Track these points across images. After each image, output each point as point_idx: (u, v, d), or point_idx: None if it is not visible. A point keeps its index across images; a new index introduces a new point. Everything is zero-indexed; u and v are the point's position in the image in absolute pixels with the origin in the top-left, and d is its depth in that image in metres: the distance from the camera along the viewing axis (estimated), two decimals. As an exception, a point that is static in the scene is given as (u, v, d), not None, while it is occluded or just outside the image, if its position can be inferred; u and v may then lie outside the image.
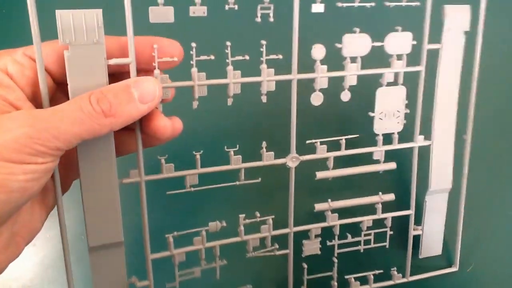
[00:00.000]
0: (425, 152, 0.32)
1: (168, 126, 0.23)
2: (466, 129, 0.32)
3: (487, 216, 0.36)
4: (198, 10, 0.24)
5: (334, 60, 0.28)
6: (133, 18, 0.22)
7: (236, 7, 0.24)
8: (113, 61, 0.23)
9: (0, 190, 0.19)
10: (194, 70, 0.25)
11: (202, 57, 0.25)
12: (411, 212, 0.33)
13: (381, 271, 0.33)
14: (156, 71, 0.24)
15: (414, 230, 0.33)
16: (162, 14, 0.23)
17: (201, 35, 0.25)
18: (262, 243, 0.30)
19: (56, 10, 0.21)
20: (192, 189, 0.27)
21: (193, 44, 0.24)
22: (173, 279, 0.28)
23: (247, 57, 0.25)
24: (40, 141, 0.19)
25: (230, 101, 0.26)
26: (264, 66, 0.26)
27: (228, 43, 0.25)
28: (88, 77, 0.22)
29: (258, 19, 0.25)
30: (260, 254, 0.30)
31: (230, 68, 0.25)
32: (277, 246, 0.30)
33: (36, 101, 0.22)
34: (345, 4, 0.27)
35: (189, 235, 0.28)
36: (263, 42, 0.26)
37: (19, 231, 0.22)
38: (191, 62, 0.24)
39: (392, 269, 0.33)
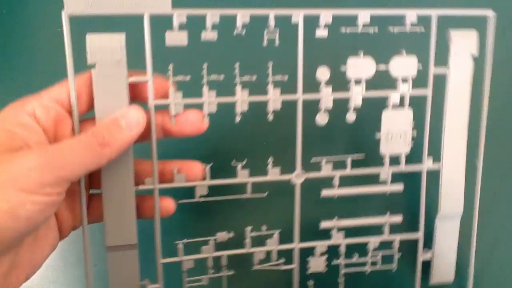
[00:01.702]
0: (436, 174, 0.32)
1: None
2: (478, 153, 0.32)
3: (499, 241, 0.36)
4: (209, 35, 0.26)
5: (340, 81, 0.29)
6: (151, 40, 0.25)
7: (243, 32, 0.27)
8: (132, 79, 0.26)
9: (8, 217, 0.21)
10: (205, 88, 0.27)
11: (213, 76, 0.27)
12: (419, 235, 0.33)
13: (390, 293, 0.33)
14: (171, 88, 0.27)
15: (424, 253, 0.33)
16: (177, 38, 0.26)
17: (212, 56, 0.27)
18: (268, 256, 0.31)
19: (87, 34, 0.25)
20: (201, 199, 0.29)
21: (205, 65, 0.27)
22: (182, 285, 0.29)
23: (254, 78, 0.28)
24: (50, 170, 0.22)
25: (238, 118, 0.28)
26: (270, 86, 0.28)
27: (237, 64, 0.27)
28: (111, 93, 0.25)
29: (265, 43, 0.27)
30: (265, 267, 0.31)
31: (238, 87, 0.28)
32: (283, 260, 0.31)
33: (56, 141, 0.25)
34: (348, 30, 0.29)
35: (198, 243, 0.29)
36: (270, 64, 0.28)
37: (20, 264, 0.24)
38: (202, 82, 0.27)
39: (401, 292, 0.33)
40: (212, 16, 0.26)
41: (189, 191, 0.28)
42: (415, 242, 0.33)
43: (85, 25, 0.25)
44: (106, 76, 0.25)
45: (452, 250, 0.34)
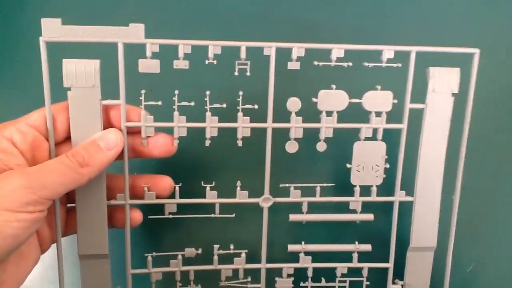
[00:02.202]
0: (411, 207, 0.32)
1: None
2: (455, 190, 0.32)
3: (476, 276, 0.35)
4: (180, 64, 0.28)
5: (312, 112, 0.30)
6: (124, 67, 0.27)
7: (215, 62, 0.28)
8: (105, 102, 0.28)
9: None
10: (176, 113, 0.29)
11: (184, 103, 0.28)
12: (389, 265, 0.33)
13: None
14: (143, 112, 0.28)
15: (394, 284, 0.33)
16: (150, 65, 0.28)
17: (184, 84, 0.29)
18: (235, 274, 0.32)
19: (63, 60, 0.27)
20: (171, 216, 0.30)
21: (176, 92, 0.28)
22: (150, 296, 0.31)
23: (224, 105, 0.29)
24: (32, 190, 0.23)
25: (208, 143, 0.29)
26: (240, 114, 0.29)
27: (208, 92, 0.28)
28: (86, 115, 0.27)
29: (236, 73, 0.28)
30: (232, 284, 0.32)
31: (208, 113, 0.29)
32: (249, 279, 0.32)
33: (35, 164, 0.26)
34: (321, 63, 0.29)
35: (167, 257, 0.31)
36: (240, 92, 0.29)
37: (6, 280, 0.25)
38: (174, 106, 0.28)
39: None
40: (183, 46, 0.27)
41: (160, 205, 0.30)
42: (385, 272, 0.33)
43: (64, 49, 0.27)
44: (81, 99, 0.27)
45: (424, 283, 0.33)
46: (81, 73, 0.27)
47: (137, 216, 0.30)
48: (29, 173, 0.24)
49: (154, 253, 0.31)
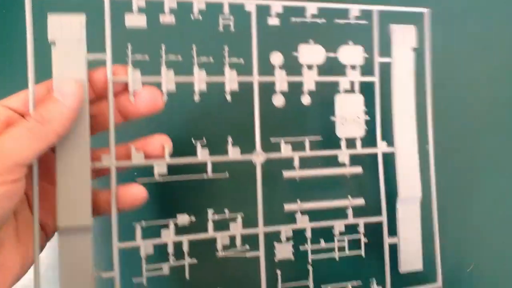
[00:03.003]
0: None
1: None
2: (428, 139, 0.34)
3: (465, 224, 0.36)
4: (166, 19, 0.28)
5: (293, 67, 0.31)
6: (111, 23, 0.27)
7: (200, 17, 0.29)
8: (91, 56, 0.27)
9: None
10: (163, 67, 0.28)
11: (171, 57, 0.28)
12: (382, 218, 0.33)
13: (359, 282, 0.32)
14: (130, 67, 0.28)
15: (390, 238, 0.33)
16: (136, 20, 0.28)
17: (170, 39, 0.29)
18: (232, 243, 0.30)
19: (48, 14, 0.26)
20: (161, 178, 0.28)
21: (163, 46, 0.28)
22: (140, 274, 0.28)
23: (211, 59, 0.29)
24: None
25: (197, 98, 0.29)
26: (227, 67, 0.30)
27: (194, 46, 0.29)
28: (70, 71, 0.26)
29: (221, 28, 0.29)
30: (230, 254, 0.30)
31: (196, 67, 0.29)
32: (247, 247, 0.30)
33: None
34: (298, 19, 0.31)
35: (157, 227, 0.28)
36: (226, 47, 0.29)
37: (3, 266, 0.24)
38: (160, 60, 0.28)
39: (370, 280, 0.32)
40: (169, 2, 0.28)
41: (150, 173, 0.28)
42: (381, 229, 0.33)
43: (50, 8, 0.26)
44: (66, 54, 0.26)
45: (416, 235, 0.34)
46: (66, 27, 0.26)
47: (140, 191, 0.28)
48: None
49: (143, 222, 0.28)
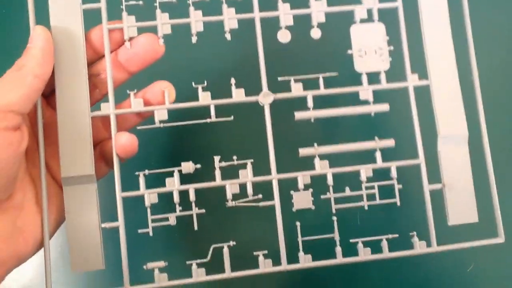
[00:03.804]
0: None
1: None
2: (471, 70, 0.29)
3: None
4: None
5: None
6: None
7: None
8: (85, 6, 0.27)
9: None
10: (158, 10, 0.27)
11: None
12: (420, 161, 0.28)
13: (396, 235, 0.28)
14: (124, 13, 0.27)
15: (432, 185, 0.28)
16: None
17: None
18: (243, 191, 0.27)
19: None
20: (162, 125, 0.27)
21: (157, -12, 0.28)
22: (146, 225, 0.27)
23: (207, -1, 0.28)
24: None
25: (194, 39, 0.28)
26: (224, 5, 0.28)
27: (188, -14, 0.28)
28: (66, 20, 0.26)
29: (215, -36, 0.28)
30: (241, 203, 0.27)
31: (191, 8, 0.28)
32: (260, 195, 0.27)
33: None
34: None
35: (161, 175, 0.27)
36: (222, -15, 0.28)
37: (23, 229, 0.25)
38: (155, 4, 0.27)
39: (411, 234, 0.28)
40: None
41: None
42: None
43: None
44: (62, 5, 0.27)
45: (467, 181, 0.28)
46: None
47: (129, 140, 0.27)
48: None
49: (146, 171, 0.27)
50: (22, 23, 0.36)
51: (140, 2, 0.27)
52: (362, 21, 0.29)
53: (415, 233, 0.28)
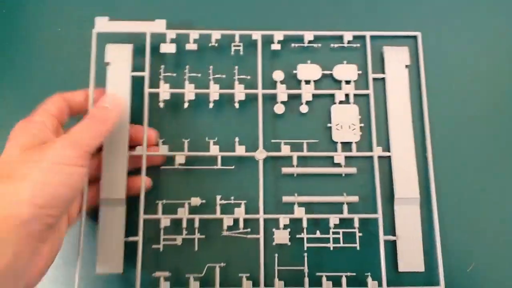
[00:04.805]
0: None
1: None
2: (426, 149, 0.37)
3: (467, 225, 0.36)
4: (191, 46, 0.37)
5: (293, 83, 0.38)
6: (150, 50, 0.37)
7: (216, 45, 0.37)
8: (135, 74, 0.36)
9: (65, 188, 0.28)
10: (186, 82, 0.37)
11: (193, 74, 0.37)
12: (378, 215, 0.35)
13: (354, 274, 0.34)
14: (161, 82, 0.37)
15: (387, 236, 0.35)
16: (168, 47, 0.37)
17: (192, 66, 0.38)
18: (236, 224, 0.35)
19: (107, 44, 0.37)
20: (180, 167, 0.36)
21: (187, 67, 0.37)
22: (159, 242, 0.34)
23: (223, 76, 0.37)
24: (72, 146, 0.29)
25: (211, 105, 0.37)
26: (236, 82, 0.37)
27: (211, 67, 0.37)
28: (119, 83, 0.36)
29: (232, 53, 0.38)
30: (233, 234, 0.35)
31: (211, 82, 0.37)
32: (249, 229, 0.35)
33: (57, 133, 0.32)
34: (297, 45, 0.38)
35: (175, 205, 0.35)
36: (236, 67, 0.37)
37: (43, 254, 0.28)
38: (184, 77, 0.37)
39: (366, 274, 0.34)
40: (193, 34, 0.37)
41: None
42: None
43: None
44: (116, 72, 0.36)
45: (416, 236, 0.35)
46: (119, 51, 0.36)
47: (147, 183, 0.35)
48: (65, 137, 0.30)
49: (164, 201, 0.35)
50: (22, 23, 0.38)
51: (174, 75, 0.37)
52: (341, 102, 0.37)
53: (369, 273, 0.34)
